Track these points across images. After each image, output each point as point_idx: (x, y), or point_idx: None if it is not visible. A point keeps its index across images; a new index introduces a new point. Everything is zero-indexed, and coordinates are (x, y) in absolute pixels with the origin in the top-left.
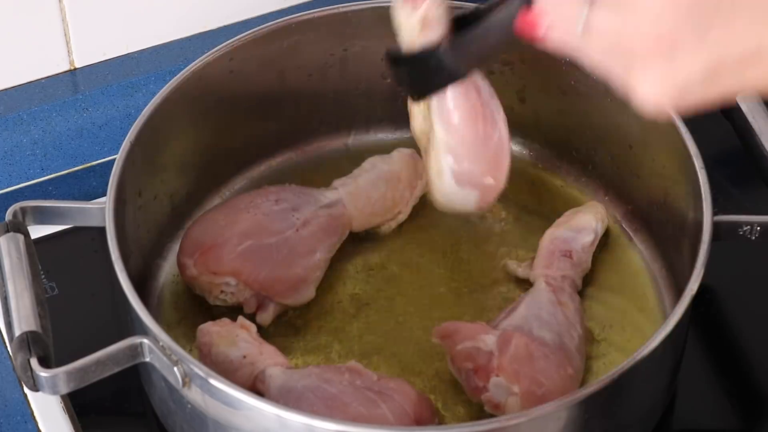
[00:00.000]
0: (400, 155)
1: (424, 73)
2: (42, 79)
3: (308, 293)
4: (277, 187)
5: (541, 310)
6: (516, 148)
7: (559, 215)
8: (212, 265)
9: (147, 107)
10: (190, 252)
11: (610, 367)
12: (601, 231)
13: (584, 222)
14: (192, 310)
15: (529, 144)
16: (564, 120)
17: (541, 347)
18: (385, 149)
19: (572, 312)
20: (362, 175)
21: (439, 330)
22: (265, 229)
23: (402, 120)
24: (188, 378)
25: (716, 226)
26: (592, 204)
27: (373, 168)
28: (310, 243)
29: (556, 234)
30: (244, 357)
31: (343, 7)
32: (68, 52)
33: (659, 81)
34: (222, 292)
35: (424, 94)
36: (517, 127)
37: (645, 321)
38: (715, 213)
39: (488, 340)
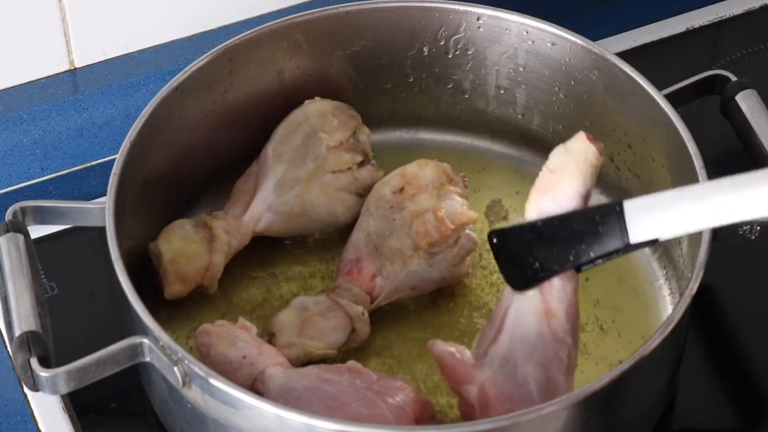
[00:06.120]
0: None
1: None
2: (42, 79)
3: None
4: None
5: (527, 330)
6: (516, 149)
7: None
8: None
9: (147, 107)
10: None
11: (609, 367)
12: (591, 186)
13: (568, 189)
14: (192, 311)
15: (529, 145)
16: (564, 121)
17: (523, 396)
18: (385, 149)
19: (562, 321)
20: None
21: (430, 350)
22: None
23: (401, 120)
24: (188, 378)
25: None
26: (573, 161)
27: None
28: None
29: (542, 208)
30: (244, 357)
31: (343, 7)
32: (68, 52)
33: None
34: None
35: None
36: (518, 130)
37: (645, 321)
38: None
39: (470, 391)
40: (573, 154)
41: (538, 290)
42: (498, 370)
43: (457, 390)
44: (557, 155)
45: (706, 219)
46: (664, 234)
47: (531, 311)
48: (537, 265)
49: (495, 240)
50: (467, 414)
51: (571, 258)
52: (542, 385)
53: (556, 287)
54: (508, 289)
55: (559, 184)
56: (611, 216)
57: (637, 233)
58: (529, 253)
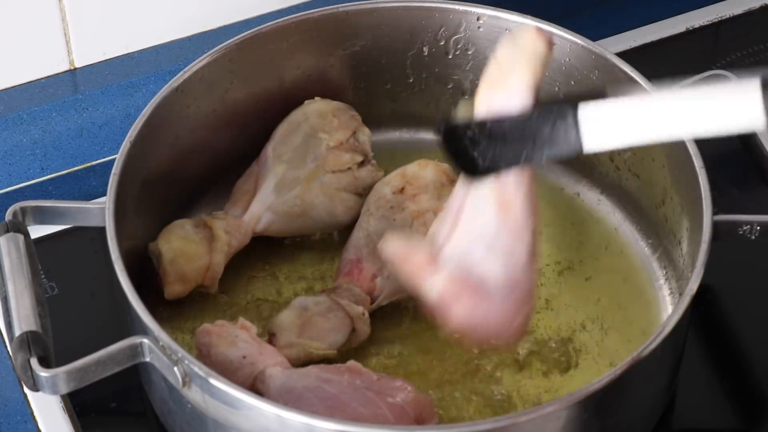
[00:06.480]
0: None
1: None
2: (42, 79)
3: None
4: None
5: (483, 226)
6: None
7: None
8: None
9: (147, 107)
10: None
11: (609, 366)
12: (540, 78)
13: (518, 84)
14: (192, 311)
15: None
16: None
17: (483, 293)
18: (384, 149)
19: (519, 212)
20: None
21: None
22: None
23: (401, 120)
24: (188, 378)
25: (716, 226)
26: (522, 55)
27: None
28: None
29: (493, 103)
30: (244, 357)
31: (343, 7)
32: (68, 52)
33: None
34: None
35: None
36: None
37: (645, 320)
38: (715, 213)
39: (433, 288)
40: (521, 47)
41: (492, 182)
42: (455, 269)
43: (416, 290)
44: (506, 48)
45: (666, 127)
46: (619, 140)
47: (487, 204)
48: (486, 162)
49: (445, 134)
50: (430, 313)
51: (522, 158)
52: (502, 281)
53: (512, 177)
54: (459, 184)
55: (509, 79)
56: (567, 118)
57: (591, 136)
58: (479, 150)
